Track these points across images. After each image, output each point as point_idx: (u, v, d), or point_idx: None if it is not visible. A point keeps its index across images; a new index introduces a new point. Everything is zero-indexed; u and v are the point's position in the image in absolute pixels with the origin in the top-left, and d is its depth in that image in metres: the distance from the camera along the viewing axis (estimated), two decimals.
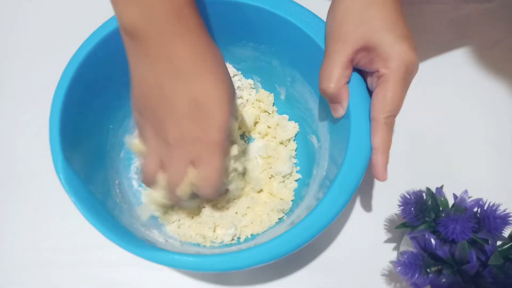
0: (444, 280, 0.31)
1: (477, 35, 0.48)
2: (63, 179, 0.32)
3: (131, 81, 0.31)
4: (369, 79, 0.32)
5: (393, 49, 0.29)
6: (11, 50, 0.51)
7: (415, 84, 0.46)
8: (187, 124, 0.29)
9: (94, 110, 0.38)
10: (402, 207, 0.33)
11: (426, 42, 0.48)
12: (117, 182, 0.40)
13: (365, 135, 0.31)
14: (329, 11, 0.32)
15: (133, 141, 0.34)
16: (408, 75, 0.29)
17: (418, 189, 0.34)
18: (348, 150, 0.31)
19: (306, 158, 0.42)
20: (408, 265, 0.32)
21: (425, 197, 0.34)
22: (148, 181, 0.33)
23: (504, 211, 0.31)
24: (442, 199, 0.34)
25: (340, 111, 0.32)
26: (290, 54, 0.38)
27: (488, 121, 0.44)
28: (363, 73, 0.32)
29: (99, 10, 0.51)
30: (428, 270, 0.32)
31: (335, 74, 0.30)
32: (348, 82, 0.32)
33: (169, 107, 0.29)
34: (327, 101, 0.33)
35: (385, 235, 0.41)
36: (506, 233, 0.31)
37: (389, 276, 0.39)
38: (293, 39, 0.35)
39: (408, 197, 0.33)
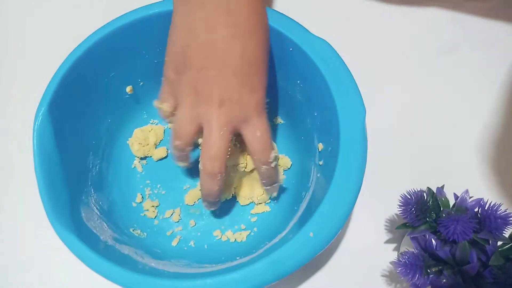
0: (444, 280, 0.31)
1: (477, 33, 0.47)
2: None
3: (171, 36, 0.30)
4: None
5: None
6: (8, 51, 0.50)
7: (415, 83, 0.46)
8: (236, 83, 0.28)
9: (73, 133, 0.37)
10: (402, 207, 0.33)
11: (425, 41, 0.47)
12: (94, 198, 0.39)
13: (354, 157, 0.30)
14: None
15: (162, 105, 0.32)
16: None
17: (418, 189, 0.34)
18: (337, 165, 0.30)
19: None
20: (408, 266, 0.31)
21: (425, 197, 0.33)
22: (183, 146, 0.31)
23: (505, 211, 0.31)
24: (443, 199, 0.34)
25: None
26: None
27: (489, 120, 0.44)
28: None
29: (95, 12, 0.51)
30: (428, 270, 0.32)
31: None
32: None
33: (219, 64, 0.27)
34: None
35: (385, 236, 0.41)
36: (506, 233, 0.31)
37: (390, 276, 0.39)
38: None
39: (409, 197, 0.33)
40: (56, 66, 0.35)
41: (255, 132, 0.30)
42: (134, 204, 0.41)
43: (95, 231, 0.33)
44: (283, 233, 0.34)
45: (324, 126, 0.34)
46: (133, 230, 0.39)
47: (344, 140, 0.30)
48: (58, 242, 0.31)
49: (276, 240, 0.33)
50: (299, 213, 0.35)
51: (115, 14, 0.36)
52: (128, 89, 0.41)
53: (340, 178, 0.29)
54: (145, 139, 0.43)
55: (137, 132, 0.43)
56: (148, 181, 0.43)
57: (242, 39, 0.27)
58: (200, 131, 0.30)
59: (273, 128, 0.43)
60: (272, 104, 0.42)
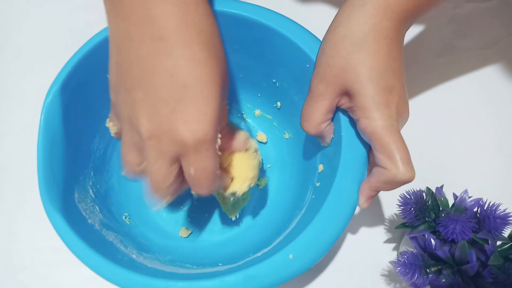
0: (444, 280, 0.31)
1: (477, 33, 0.48)
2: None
3: (109, 52, 0.25)
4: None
5: (372, 103, 0.26)
6: (6, 51, 0.50)
7: (415, 83, 0.46)
8: (166, 111, 0.23)
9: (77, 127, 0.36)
10: (402, 207, 0.33)
11: (426, 41, 0.47)
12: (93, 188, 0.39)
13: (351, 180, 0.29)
14: (322, 40, 0.29)
15: (109, 124, 0.29)
16: (387, 130, 0.26)
17: (418, 189, 0.34)
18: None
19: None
20: (408, 265, 0.32)
21: (425, 197, 0.34)
22: (132, 175, 0.27)
23: (504, 211, 0.31)
24: (442, 199, 0.34)
25: (323, 143, 0.32)
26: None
27: (488, 120, 0.44)
28: None
29: (95, 13, 0.51)
30: (428, 270, 0.32)
31: (316, 119, 0.30)
32: (332, 120, 0.31)
33: (146, 87, 0.23)
34: None
35: (385, 235, 0.41)
36: (506, 233, 0.31)
37: (389, 276, 0.39)
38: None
39: (408, 197, 0.33)
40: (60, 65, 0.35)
41: (189, 169, 0.25)
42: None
43: (84, 213, 0.33)
44: (268, 248, 0.33)
45: (327, 148, 0.33)
46: (125, 218, 0.39)
47: (342, 168, 0.29)
48: (58, 242, 0.31)
49: (259, 254, 0.33)
50: (288, 230, 0.34)
51: None
52: None
53: (331, 206, 0.29)
54: None
55: None
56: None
57: (169, 57, 0.23)
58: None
59: (281, 142, 0.43)
60: (284, 118, 0.42)
